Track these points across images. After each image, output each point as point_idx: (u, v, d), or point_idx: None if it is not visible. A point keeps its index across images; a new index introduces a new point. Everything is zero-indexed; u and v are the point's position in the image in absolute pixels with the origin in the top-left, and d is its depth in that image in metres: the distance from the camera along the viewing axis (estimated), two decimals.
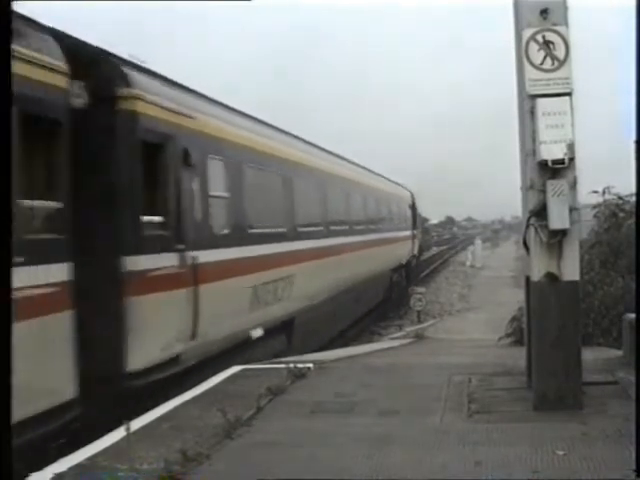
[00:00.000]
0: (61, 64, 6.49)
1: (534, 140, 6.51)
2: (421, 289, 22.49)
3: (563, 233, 6.46)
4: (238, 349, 9.97)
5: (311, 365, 9.21)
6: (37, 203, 6.10)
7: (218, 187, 9.50)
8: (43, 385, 5.85)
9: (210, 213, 9.24)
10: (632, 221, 10.70)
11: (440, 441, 5.78)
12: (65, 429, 6.19)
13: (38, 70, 6.08)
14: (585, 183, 7.72)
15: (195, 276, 8.42)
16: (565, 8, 6.62)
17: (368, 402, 7.25)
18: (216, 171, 9.45)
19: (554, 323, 6.49)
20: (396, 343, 13.77)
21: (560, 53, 6.50)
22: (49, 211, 6.26)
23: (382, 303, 23.25)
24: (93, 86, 6.99)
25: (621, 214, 11.70)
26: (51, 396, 6.05)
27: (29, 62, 5.93)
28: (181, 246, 8.22)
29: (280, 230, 12.22)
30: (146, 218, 7.69)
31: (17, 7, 5.33)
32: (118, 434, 5.79)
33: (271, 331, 11.28)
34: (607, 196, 11.95)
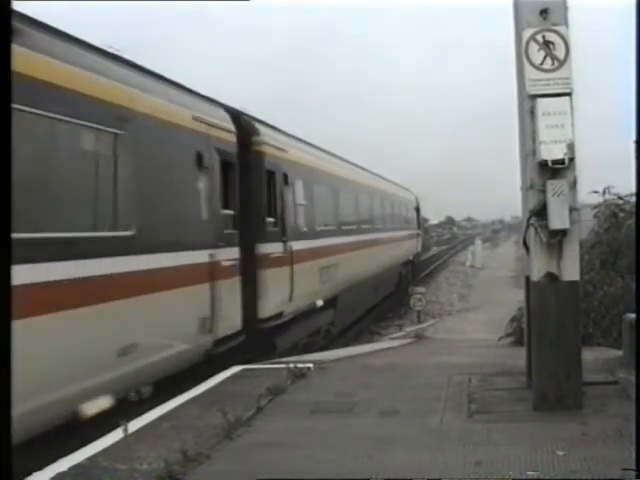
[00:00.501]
0: (232, 127, 10.46)
1: (534, 140, 6.51)
2: (421, 289, 22.57)
3: (563, 233, 6.46)
4: (309, 313, 13.80)
5: (311, 365, 9.23)
6: (227, 211, 10.04)
7: (300, 198, 13.60)
8: (233, 319, 9.94)
9: (297, 215, 13.35)
10: (632, 221, 10.69)
11: (440, 441, 5.79)
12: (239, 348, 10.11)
13: (227, 134, 10.23)
14: (585, 183, 7.72)
15: (291, 258, 12.33)
16: (565, 8, 6.62)
17: (368, 402, 7.26)
18: (299, 187, 13.55)
19: (554, 323, 6.49)
20: (396, 343, 13.76)
21: (560, 53, 6.50)
22: (231, 216, 10.18)
23: (393, 293, 25.54)
24: (238, 136, 10.65)
25: (621, 214, 11.66)
26: (236, 325, 10.10)
27: (226, 131, 10.15)
28: (284, 238, 12.12)
29: (331, 228, 16.11)
30: (267, 219, 11.51)
31: (17, 7, 5.34)
32: (118, 434, 5.79)
33: (326, 303, 14.90)
34: (607, 196, 11.90)
